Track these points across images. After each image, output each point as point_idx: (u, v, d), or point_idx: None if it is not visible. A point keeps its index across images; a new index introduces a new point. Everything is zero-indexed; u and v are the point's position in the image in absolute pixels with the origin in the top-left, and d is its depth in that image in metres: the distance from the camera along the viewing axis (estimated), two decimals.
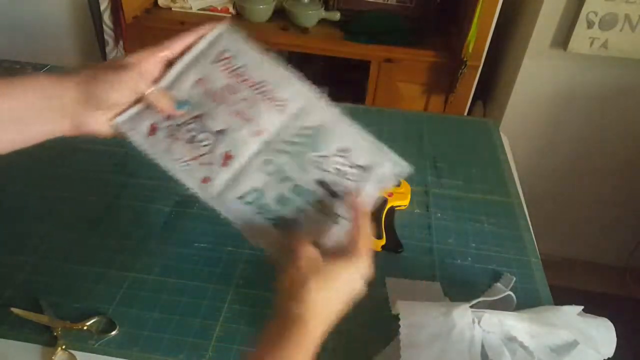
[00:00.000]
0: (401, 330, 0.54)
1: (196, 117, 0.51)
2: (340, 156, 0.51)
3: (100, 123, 0.49)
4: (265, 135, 0.51)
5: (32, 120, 0.47)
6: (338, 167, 0.50)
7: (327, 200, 0.49)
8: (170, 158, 0.50)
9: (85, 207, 0.74)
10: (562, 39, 1.29)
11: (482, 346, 0.53)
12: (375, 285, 0.66)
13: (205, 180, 0.49)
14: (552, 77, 1.37)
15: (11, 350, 0.57)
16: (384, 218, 0.73)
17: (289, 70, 0.55)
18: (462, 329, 0.54)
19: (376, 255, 0.70)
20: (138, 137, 0.51)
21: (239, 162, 0.50)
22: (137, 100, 0.50)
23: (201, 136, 0.51)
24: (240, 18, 1.53)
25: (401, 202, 0.77)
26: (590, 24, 1.23)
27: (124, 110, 0.51)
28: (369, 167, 0.51)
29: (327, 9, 1.51)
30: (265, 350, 0.41)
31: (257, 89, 0.53)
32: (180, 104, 0.51)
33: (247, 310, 0.61)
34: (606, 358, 0.56)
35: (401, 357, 0.53)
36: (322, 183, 0.50)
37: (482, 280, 0.68)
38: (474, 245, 0.73)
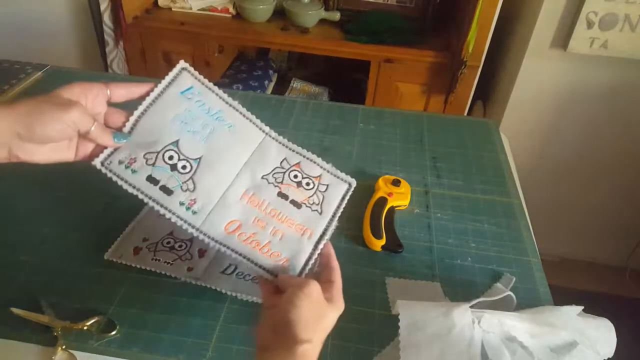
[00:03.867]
0: (401, 330, 0.54)
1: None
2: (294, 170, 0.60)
3: (38, 154, 0.49)
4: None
5: None
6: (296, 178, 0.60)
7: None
8: (159, 265, 0.64)
9: (85, 207, 0.74)
10: (562, 39, 1.29)
11: (482, 346, 0.54)
12: (375, 285, 0.66)
13: (189, 269, 0.64)
14: (552, 77, 1.37)
15: (11, 350, 0.57)
16: (383, 218, 0.73)
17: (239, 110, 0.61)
18: (462, 329, 0.54)
19: (376, 255, 0.70)
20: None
21: (213, 252, 0.65)
22: (79, 135, 0.51)
23: (177, 245, 0.66)
24: (240, 18, 1.53)
25: (401, 202, 0.77)
26: (590, 24, 1.23)
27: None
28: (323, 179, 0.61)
29: (327, 9, 1.51)
30: None
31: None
32: (118, 137, 0.54)
33: (247, 310, 0.61)
34: (606, 358, 0.56)
35: (401, 357, 0.53)
36: (283, 195, 0.58)
37: (482, 280, 0.68)
38: (474, 245, 0.73)
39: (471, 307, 0.56)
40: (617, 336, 0.57)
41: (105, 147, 0.53)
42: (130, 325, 0.59)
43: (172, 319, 0.60)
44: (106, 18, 1.45)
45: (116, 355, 0.57)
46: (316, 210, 0.58)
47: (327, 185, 0.60)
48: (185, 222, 0.53)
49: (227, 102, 0.60)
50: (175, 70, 0.59)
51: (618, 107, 1.40)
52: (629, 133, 1.44)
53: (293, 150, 0.61)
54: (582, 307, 0.59)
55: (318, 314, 0.45)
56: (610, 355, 0.56)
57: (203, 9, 1.54)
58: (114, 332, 0.58)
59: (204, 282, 0.63)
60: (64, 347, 0.56)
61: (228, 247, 0.53)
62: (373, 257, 0.70)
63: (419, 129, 0.98)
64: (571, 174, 1.56)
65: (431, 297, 0.65)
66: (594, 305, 0.61)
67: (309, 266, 0.54)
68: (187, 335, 0.58)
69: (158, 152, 0.54)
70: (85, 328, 0.57)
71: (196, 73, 0.60)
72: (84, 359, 0.56)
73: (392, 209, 0.76)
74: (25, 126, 0.46)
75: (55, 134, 0.48)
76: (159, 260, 0.65)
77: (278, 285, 0.51)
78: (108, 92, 0.53)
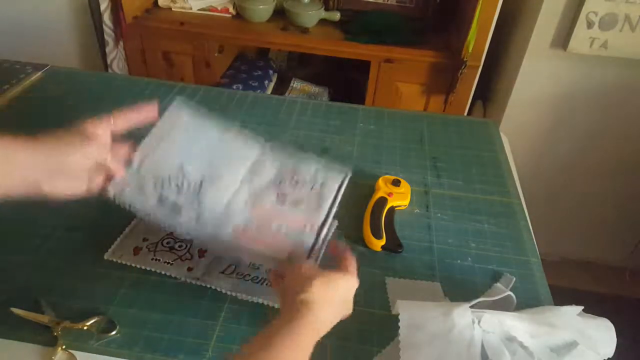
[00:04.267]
0: (401, 330, 0.54)
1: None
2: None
3: (60, 186, 0.53)
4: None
5: None
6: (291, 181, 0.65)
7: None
8: (159, 265, 0.65)
9: (85, 207, 0.74)
10: (562, 39, 1.29)
11: (482, 346, 0.54)
12: (375, 285, 0.66)
13: (189, 269, 0.65)
14: (552, 77, 1.37)
15: (11, 350, 0.57)
16: (383, 218, 0.73)
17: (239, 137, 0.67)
18: (462, 329, 0.54)
19: (376, 255, 0.70)
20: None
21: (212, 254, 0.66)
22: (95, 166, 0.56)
23: (177, 245, 0.68)
24: (240, 18, 1.53)
25: (401, 202, 0.77)
26: (590, 24, 1.23)
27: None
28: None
29: (327, 9, 1.51)
30: (275, 330, 0.46)
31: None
32: (130, 166, 0.61)
33: (247, 310, 0.61)
34: (606, 358, 0.56)
35: (401, 357, 0.53)
36: (281, 196, 0.63)
37: (482, 280, 0.68)
38: (474, 245, 0.73)
39: (471, 307, 0.56)
40: (617, 336, 0.57)
41: (112, 179, 0.58)
42: (130, 325, 0.59)
43: (172, 319, 0.60)
44: (106, 18, 1.45)
45: (116, 355, 0.57)
46: (314, 205, 0.63)
47: (322, 182, 0.65)
48: (195, 232, 0.59)
49: (221, 127, 0.67)
50: (172, 105, 0.66)
51: (618, 107, 1.40)
52: (629, 133, 1.44)
53: (286, 158, 0.67)
54: (582, 307, 0.59)
55: (318, 276, 0.50)
56: (610, 355, 0.56)
57: (203, 9, 1.54)
58: (114, 332, 0.58)
59: (203, 282, 0.63)
60: (64, 347, 0.56)
61: (237, 248, 0.58)
62: (373, 257, 0.70)
63: (419, 129, 0.98)
64: (571, 174, 1.56)
65: (431, 297, 0.65)
66: (594, 305, 0.61)
67: (313, 256, 0.58)
68: (187, 335, 0.58)
69: (164, 178, 0.61)
70: (85, 328, 0.57)
71: (190, 105, 0.67)
72: (84, 359, 0.56)
73: (392, 209, 0.76)
74: (55, 157, 0.51)
75: (80, 164, 0.53)
76: (159, 260, 0.65)
77: (280, 274, 0.55)
78: (112, 126, 0.57)
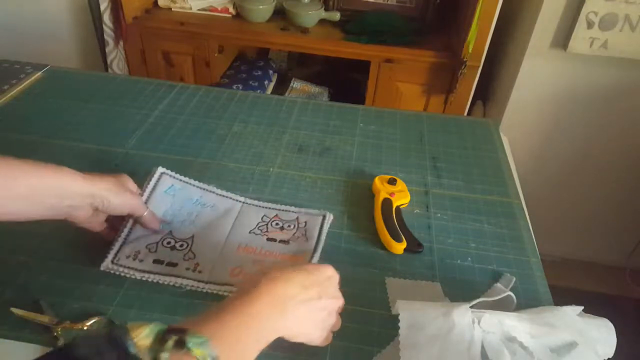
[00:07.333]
0: (401, 330, 0.54)
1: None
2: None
3: (95, 221, 0.62)
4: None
5: (44, 203, 0.55)
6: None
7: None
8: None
9: None
10: (562, 39, 1.29)
11: (482, 346, 0.53)
12: (375, 285, 0.66)
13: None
14: (552, 77, 1.37)
15: (11, 350, 0.57)
16: (395, 220, 0.73)
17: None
18: (462, 329, 0.54)
19: (376, 255, 0.70)
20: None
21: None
22: (129, 215, 0.65)
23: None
24: (240, 18, 1.53)
25: (403, 200, 0.77)
26: (590, 24, 1.23)
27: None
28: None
29: (327, 9, 1.51)
30: (228, 301, 0.44)
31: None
32: (164, 224, 0.69)
33: None
34: (606, 358, 0.56)
35: (401, 357, 0.53)
36: (271, 239, 0.69)
37: (482, 280, 0.68)
38: (474, 245, 0.73)
39: (471, 307, 0.56)
40: (617, 336, 0.57)
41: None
42: None
43: (172, 319, 0.60)
44: (106, 18, 1.45)
45: None
46: (303, 239, 0.69)
47: (305, 221, 0.72)
48: (194, 281, 0.61)
49: (203, 189, 0.74)
50: (156, 175, 0.71)
51: (618, 107, 1.40)
52: (629, 133, 1.44)
53: (268, 208, 0.74)
54: (582, 307, 0.59)
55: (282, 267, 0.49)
56: (610, 355, 0.56)
57: (203, 9, 1.54)
58: None
59: (210, 287, 0.61)
60: None
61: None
62: (373, 257, 0.70)
63: (419, 129, 0.98)
64: (571, 174, 1.56)
65: (431, 297, 0.65)
66: (594, 305, 0.61)
67: None
68: None
69: (157, 242, 0.66)
70: (85, 328, 0.57)
71: (173, 173, 0.73)
72: None
73: (398, 209, 0.76)
74: (105, 197, 0.58)
75: (122, 208, 0.61)
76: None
77: None
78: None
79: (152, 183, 0.70)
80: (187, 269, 0.63)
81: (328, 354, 0.57)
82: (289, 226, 0.71)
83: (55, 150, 0.84)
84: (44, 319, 0.58)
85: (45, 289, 0.62)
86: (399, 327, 0.54)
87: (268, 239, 0.68)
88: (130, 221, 0.66)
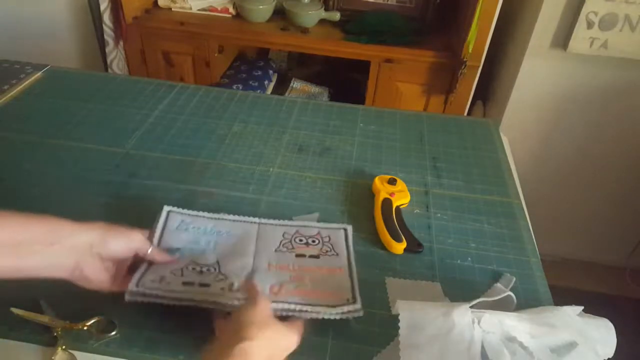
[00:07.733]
0: (401, 330, 0.54)
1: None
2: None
3: (98, 275, 0.57)
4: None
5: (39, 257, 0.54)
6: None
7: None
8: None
9: (85, 207, 0.74)
10: (562, 39, 1.29)
11: (482, 346, 0.53)
12: (375, 285, 0.66)
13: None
14: (552, 77, 1.37)
15: (11, 350, 0.57)
16: (395, 220, 0.73)
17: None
18: (462, 329, 0.54)
19: (376, 255, 0.70)
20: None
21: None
22: (136, 257, 0.61)
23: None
24: (240, 18, 1.53)
25: (403, 199, 0.77)
26: (590, 24, 1.23)
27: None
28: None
29: (327, 9, 1.51)
30: None
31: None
32: (171, 251, 0.65)
33: None
34: (606, 358, 0.56)
35: (401, 357, 0.53)
36: (300, 255, 0.67)
37: (482, 280, 0.68)
38: (474, 245, 0.73)
39: (471, 307, 0.56)
40: (617, 336, 0.57)
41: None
42: (130, 325, 0.59)
43: (172, 319, 0.60)
44: (106, 18, 1.45)
45: (116, 355, 0.57)
46: (333, 254, 0.67)
47: (329, 236, 0.70)
48: (234, 300, 0.56)
49: (215, 218, 0.71)
50: (164, 214, 0.70)
51: (618, 107, 1.40)
52: (629, 133, 1.44)
53: (287, 225, 0.72)
54: (582, 307, 0.59)
55: (264, 322, 0.48)
56: (610, 355, 0.56)
57: (203, 9, 1.54)
58: (114, 332, 0.58)
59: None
60: (64, 347, 0.56)
61: (283, 301, 0.58)
62: (373, 257, 0.70)
63: (419, 129, 0.98)
64: (571, 174, 1.56)
65: (431, 297, 0.65)
66: (594, 305, 0.61)
67: (357, 292, 0.61)
68: (187, 335, 0.58)
69: (182, 268, 0.62)
70: (85, 328, 0.57)
71: (179, 209, 0.71)
72: (84, 359, 0.56)
73: (398, 209, 0.76)
74: (102, 239, 0.56)
75: (121, 250, 0.58)
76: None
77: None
78: None
79: (160, 223, 0.68)
80: (222, 288, 0.58)
81: (328, 354, 0.57)
82: (313, 241, 0.69)
83: (55, 150, 0.84)
84: (44, 319, 0.58)
85: (45, 289, 0.62)
86: (399, 327, 0.54)
87: (297, 255, 0.66)
88: (145, 264, 0.62)
